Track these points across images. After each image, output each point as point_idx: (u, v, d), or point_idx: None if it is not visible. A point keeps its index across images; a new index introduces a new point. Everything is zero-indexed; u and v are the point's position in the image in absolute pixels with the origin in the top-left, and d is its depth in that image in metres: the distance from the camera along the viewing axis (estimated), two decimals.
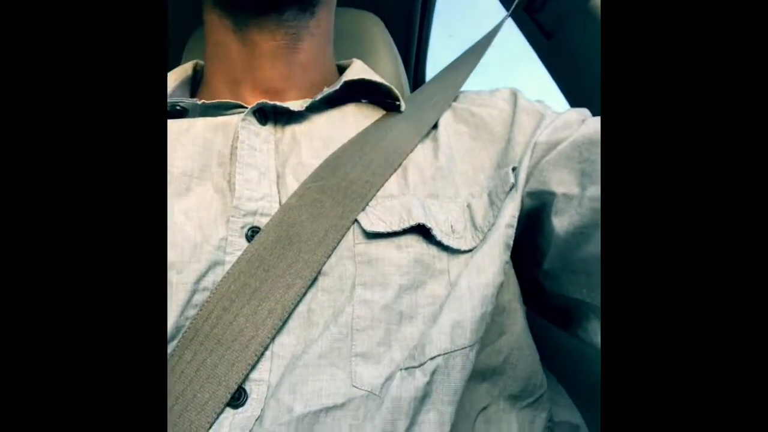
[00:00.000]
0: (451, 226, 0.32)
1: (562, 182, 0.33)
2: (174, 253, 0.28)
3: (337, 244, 0.30)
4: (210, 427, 0.25)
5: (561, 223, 0.33)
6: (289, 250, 0.29)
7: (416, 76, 0.87)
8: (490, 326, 0.31)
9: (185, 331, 0.27)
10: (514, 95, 0.40)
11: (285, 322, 0.28)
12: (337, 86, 0.37)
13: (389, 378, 0.27)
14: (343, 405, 0.26)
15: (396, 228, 0.30)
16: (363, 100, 0.40)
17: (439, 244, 0.31)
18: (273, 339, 0.27)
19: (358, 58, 0.45)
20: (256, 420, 0.25)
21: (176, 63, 0.51)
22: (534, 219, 0.35)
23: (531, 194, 0.35)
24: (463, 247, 0.32)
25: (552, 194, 0.33)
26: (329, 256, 0.29)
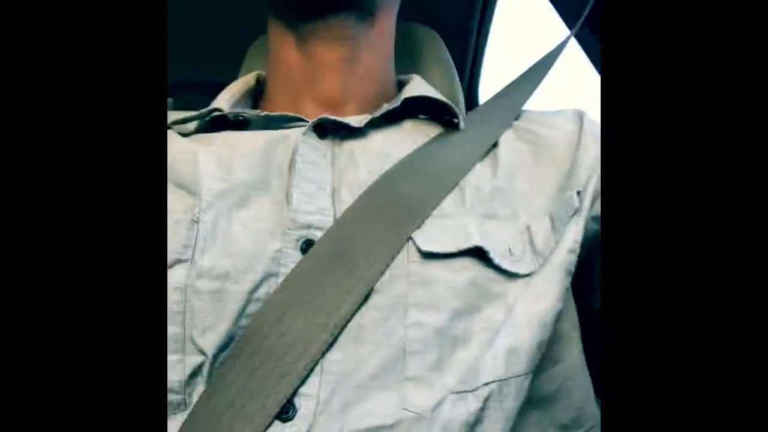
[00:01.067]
0: (509, 248, 0.31)
1: None
2: (230, 263, 0.29)
3: (391, 261, 0.29)
4: None
5: None
6: (343, 265, 0.29)
7: (470, 91, 0.86)
8: (546, 354, 0.30)
9: (237, 341, 0.27)
10: (581, 117, 0.39)
11: (336, 337, 0.28)
12: (397, 103, 0.37)
13: (441, 402, 0.27)
14: (392, 426, 0.26)
15: (452, 249, 0.30)
16: (421, 116, 0.40)
17: (497, 268, 0.30)
18: (323, 354, 0.27)
19: (414, 71, 0.45)
20: None
21: (236, 74, 0.53)
22: (596, 245, 0.34)
23: (596, 218, 0.34)
24: (522, 271, 0.31)
25: None
26: (382, 274, 0.29)
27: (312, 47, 0.38)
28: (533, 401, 0.30)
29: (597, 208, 0.34)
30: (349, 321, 0.28)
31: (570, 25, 0.53)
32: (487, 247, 0.30)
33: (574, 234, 0.32)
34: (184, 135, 0.37)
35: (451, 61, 0.60)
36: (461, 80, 0.74)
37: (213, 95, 0.42)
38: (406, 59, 0.59)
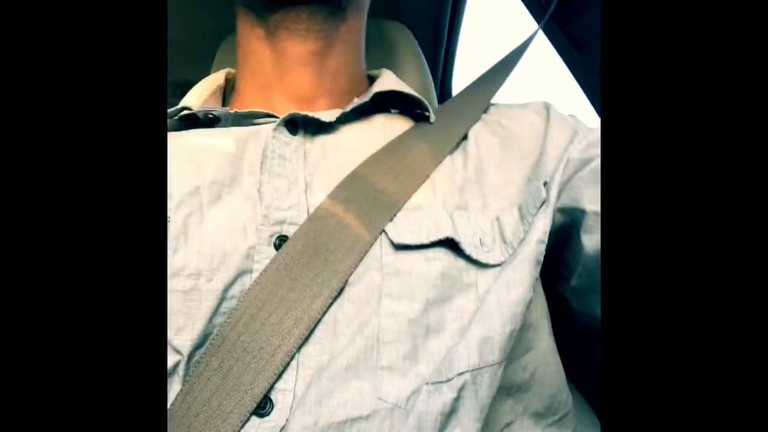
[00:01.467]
0: (480, 239, 0.32)
1: (593, 200, 0.33)
2: (203, 261, 0.29)
3: (365, 255, 0.30)
4: None
5: (590, 241, 0.32)
6: (317, 259, 0.29)
7: (443, 86, 0.86)
8: (517, 342, 0.31)
9: (212, 339, 0.27)
10: (547, 108, 0.39)
11: (311, 332, 0.28)
12: (367, 98, 0.37)
13: (415, 392, 0.27)
14: (368, 417, 0.26)
15: (424, 241, 0.30)
16: (392, 111, 0.40)
17: (468, 258, 0.31)
18: (299, 349, 0.27)
19: (386, 67, 0.45)
20: (281, 430, 0.25)
21: (207, 72, 0.52)
22: (564, 235, 0.35)
23: (562, 210, 0.35)
24: (492, 261, 0.31)
25: (583, 212, 0.33)
26: (356, 266, 0.29)
27: (282, 40, 0.37)
28: (506, 389, 0.31)
29: (563, 200, 0.35)
30: (324, 315, 0.28)
31: (538, 18, 0.54)
32: (458, 237, 0.31)
33: (542, 225, 0.33)
34: None
35: (423, 56, 0.61)
36: (434, 75, 0.75)
37: (182, 95, 0.41)
38: (379, 55, 0.59)
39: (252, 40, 0.39)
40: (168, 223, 0.29)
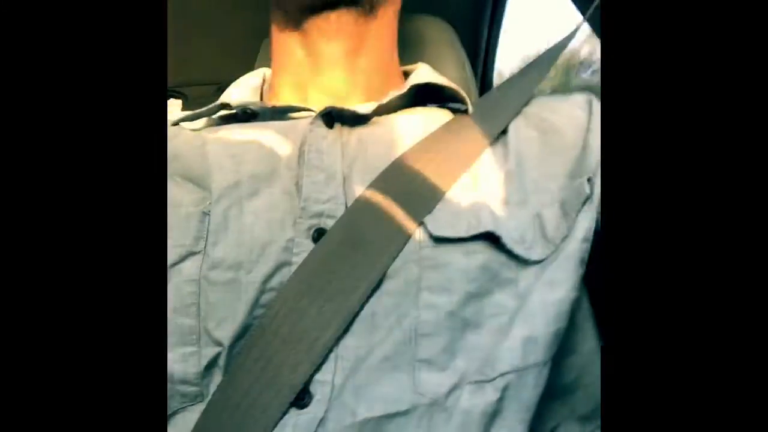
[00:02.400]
0: (521, 234, 0.31)
1: None
2: (243, 253, 0.29)
3: (403, 247, 0.30)
4: (275, 427, 0.25)
5: None
6: (355, 252, 0.29)
7: (483, 80, 0.85)
8: (562, 343, 0.30)
9: (252, 330, 0.28)
10: (590, 101, 0.38)
11: (350, 324, 0.28)
12: (404, 90, 0.37)
13: (454, 388, 0.27)
14: (407, 412, 0.26)
15: (464, 234, 0.30)
16: (430, 105, 0.40)
17: (509, 253, 0.30)
18: (337, 341, 0.27)
19: (427, 63, 0.45)
20: (320, 422, 0.26)
21: (250, 70, 0.53)
22: None
23: None
24: (533, 257, 0.31)
25: None
26: (394, 259, 0.29)
27: (314, 42, 0.38)
28: (551, 391, 0.30)
29: None
30: (362, 307, 0.28)
31: (583, 10, 0.52)
32: (499, 232, 0.30)
33: (586, 222, 0.32)
34: (193, 131, 0.38)
35: (462, 51, 0.60)
36: (474, 70, 0.74)
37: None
38: (419, 52, 0.59)
39: (285, 41, 0.39)
40: (207, 216, 0.30)
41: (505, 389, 0.27)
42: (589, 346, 0.33)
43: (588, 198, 0.33)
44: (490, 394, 0.27)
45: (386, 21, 0.40)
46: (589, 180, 0.33)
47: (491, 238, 0.30)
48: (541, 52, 0.43)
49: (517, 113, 0.38)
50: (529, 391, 0.27)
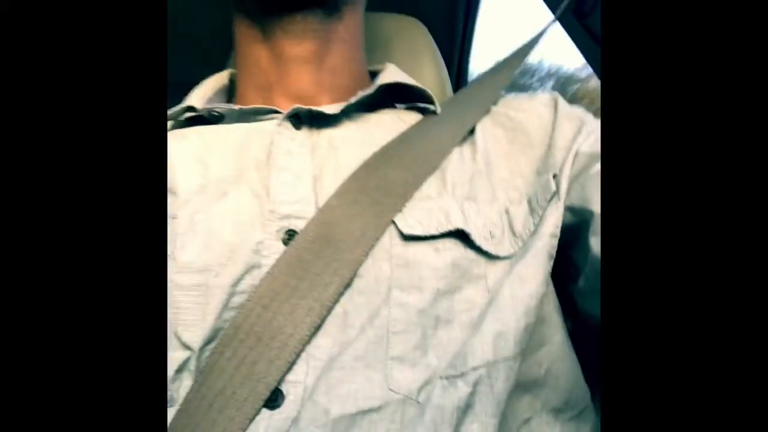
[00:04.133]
0: (490, 231, 0.31)
1: None
2: (211, 257, 0.29)
3: (375, 244, 0.30)
4: (249, 425, 0.25)
5: (598, 244, 0.32)
6: (327, 248, 0.29)
7: (458, 80, 0.86)
8: (531, 337, 0.31)
9: (226, 330, 0.27)
10: (555, 100, 0.39)
11: (322, 322, 0.28)
12: (371, 90, 0.37)
13: (426, 383, 0.27)
14: (379, 408, 0.26)
15: (434, 232, 0.30)
16: (399, 105, 0.40)
17: (478, 249, 0.31)
18: (310, 340, 0.28)
19: (401, 63, 0.45)
20: (293, 421, 0.26)
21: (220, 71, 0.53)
22: (573, 234, 0.34)
23: (572, 209, 0.34)
24: (502, 253, 0.31)
25: (591, 213, 0.32)
26: (366, 255, 0.29)
27: (279, 43, 0.38)
28: (522, 385, 0.31)
29: (573, 199, 0.34)
30: (334, 305, 0.28)
31: (553, 10, 0.53)
32: (468, 229, 0.31)
33: (554, 219, 0.33)
34: None
35: (437, 50, 0.61)
36: (450, 70, 0.74)
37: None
38: (394, 51, 0.59)
39: (249, 43, 0.39)
40: (175, 220, 0.30)
41: (476, 383, 0.27)
42: (558, 338, 0.33)
43: (554, 194, 0.33)
44: (462, 389, 0.27)
45: (352, 21, 0.40)
46: (554, 176, 0.34)
47: (460, 236, 0.31)
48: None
49: (485, 112, 0.38)
50: (501, 384, 0.28)
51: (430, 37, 0.61)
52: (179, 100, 0.40)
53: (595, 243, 0.32)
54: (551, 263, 0.32)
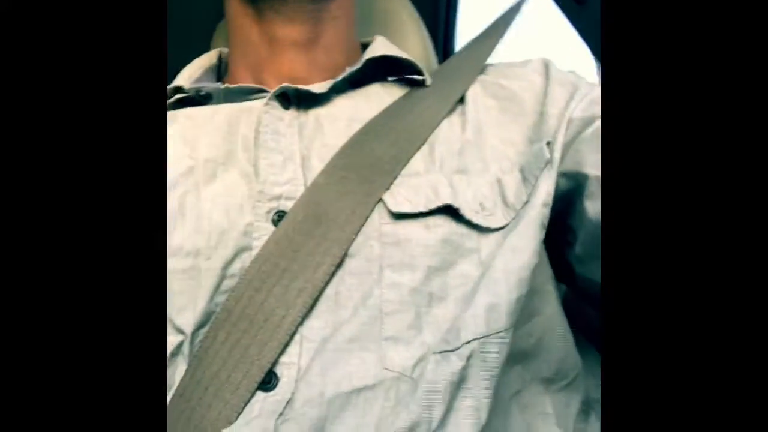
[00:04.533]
0: (480, 203, 0.31)
1: (596, 165, 0.32)
2: (201, 240, 0.29)
3: (365, 221, 0.30)
4: (244, 407, 0.25)
5: (593, 207, 0.32)
6: (317, 228, 0.29)
7: (445, 52, 0.85)
8: (523, 308, 0.31)
9: (218, 313, 0.27)
10: (546, 65, 0.38)
11: (314, 303, 0.28)
12: (359, 65, 0.37)
13: (421, 360, 0.27)
14: (374, 386, 0.26)
15: (422, 209, 0.30)
16: (389, 79, 0.40)
17: (469, 223, 0.30)
18: (302, 321, 0.27)
19: (386, 37, 0.44)
20: (287, 403, 0.26)
21: (204, 52, 0.52)
22: (568, 199, 0.34)
23: (565, 174, 0.34)
24: (494, 225, 0.31)
25: (585, 177, 0.32)
26: (357, 233, 0.29)
27: (271, 24, 0.37)
28: (513, 356, 0.31)
29: (567, 164, 0.34)
30: (327, 284, 0.28)
31: None
32: (456, 204, 0.30)
33: (546, 187, 0.32)
34: None
35: (422, 24, 0.60)
36: (435, 42, 0.73)
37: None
38: (378, 26, 0.58)
39: (241, 22, 0.38)
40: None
41: (469, 357, 0.27)
42: (549, 309, 0.33)
43: (548, 162, 0.33)
44: (455, 363, 0.27)
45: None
46: (548, 144, 0.33)
47: (450, 211, 0.30)
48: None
49: (474, 81, 0.38)
50: (493, 357, 0.28)
51: (415, 11, 0.60)
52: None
53: (590, 206, 0.32)
54: (543, 233, 0.32)
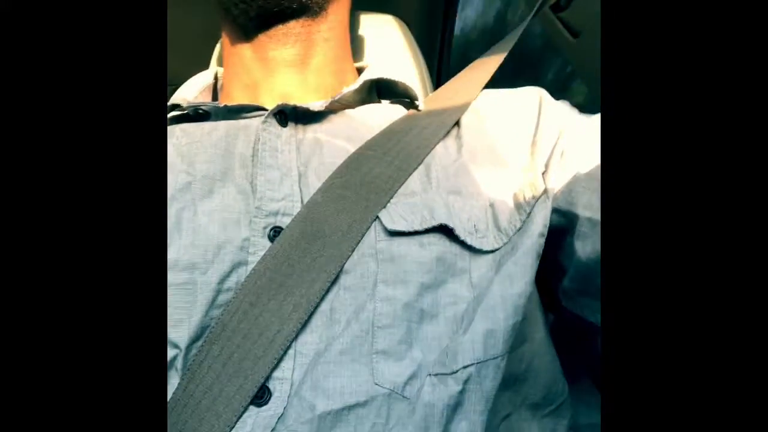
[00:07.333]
0: (474, 225, 0.32)
1: (589, 206, 0.32)
2: (198, 254, 0.29)
3: (361, 239, 0.30)
4: (236, 422, 0.25)
5: (584, 247, 0.32)
6: (314, 244, 0.29)
7: (439, 77, 0.87)
8: (516, 334, 0.31)
9: (213, 327, 0.27)
10: (539, 95, 0.39)
11: (309, 318, 0.28)
12: (356, 86, 0.38)
13: (412, 377, 0.27)
14: (365, 403, 0.26)
15: (418, 228, 0.31)
16: (383, 101, 0.41)
17: (462, 243, 0.31)
18: (297, 336, 0.28)
19: (383, 61, 0.45)
20: (279, 418, 0.26)
21: (205, 63, 0.53)
22: (559, 236, 0.35)
23: (558, 211, 0.34)
24: (486, 248, 0.31)
25: (577, 216, 0.33)
26: (353, 251, 0.30)
27: (263, 45, 0.38)
28: (504, 382, 0.31)
29: (560, 201, 0.34)
30: (322, 300, 0.28)
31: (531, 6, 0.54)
32: (451, 224, 0.31)
33: (542, 218, 0.33)
34: None
35: (417, 48, 0.61)
36: (430, 67, 0.75)
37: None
38: (375, 49, 0.60)
39: (235, 44, 0.39)
40: None
41: (466, 382, 0.28)
42: (539, 335, 0.34)
43: (543, 192, 0.34)
44: (453, 387, 0.27)
45: (337, 19, 0.40)
46: (543, 174, 0.34)
47: (445, 231, 0.31)
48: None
49: (469, 107, 0.39)
50: (489, 382, 0.28)
51: (411, 35, 0.61)
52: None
53: (579, 246, 0.33)
54: (538, 262, 0.32)
